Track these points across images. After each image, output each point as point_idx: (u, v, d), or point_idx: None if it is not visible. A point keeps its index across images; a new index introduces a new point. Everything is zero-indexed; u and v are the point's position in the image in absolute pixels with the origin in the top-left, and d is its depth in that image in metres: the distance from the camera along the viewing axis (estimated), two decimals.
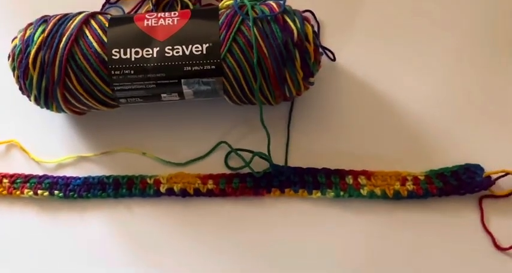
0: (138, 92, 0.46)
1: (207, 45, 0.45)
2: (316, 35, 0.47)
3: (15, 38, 0.46)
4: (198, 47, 0.45)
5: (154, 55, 0.45)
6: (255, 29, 0.45)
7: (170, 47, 0.45)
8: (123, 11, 0.56)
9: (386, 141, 0.51)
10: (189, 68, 0.45)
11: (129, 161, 0.51)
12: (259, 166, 0.49)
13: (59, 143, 0.52)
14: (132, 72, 0.45)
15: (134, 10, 0.56)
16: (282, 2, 0.47)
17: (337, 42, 0.54)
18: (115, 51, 0.45)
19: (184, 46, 0.45)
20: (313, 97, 0.52)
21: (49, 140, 0.52)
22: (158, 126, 0.52)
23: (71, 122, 0.53)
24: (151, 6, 0.54)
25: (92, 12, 0.47)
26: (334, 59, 0.53)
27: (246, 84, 0.46)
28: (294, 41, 0.45)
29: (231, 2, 0.48)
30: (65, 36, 0.45)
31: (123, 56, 0.45)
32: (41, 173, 0.51)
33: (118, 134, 0.52)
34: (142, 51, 0.45)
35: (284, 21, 0.45)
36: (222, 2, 0.48)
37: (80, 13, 0.47)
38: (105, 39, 0.45)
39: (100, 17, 0.47)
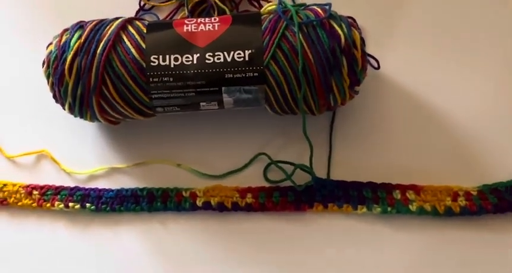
0: (177, 100, 0.44)
1: (250, 51, 0.43)
2: (363, 41, 0.44)
3: (51, 43, 0.45)
4: (240, 54, 0.43)
5: (195, 62, 0.43)
6: (300, 34, 0.43)
7: (211, 54, 0.43)
8: (158, 17, 0.54)
9: (435, 154, 0.48)
10: (231, 75, 0.43)
11: (164, 173, 0.49)
12: (300, 179, 0.47)
13: (90, 153, 0.50)
14: (171, 79, 0.43)
15: (169, 17, 0.54)
16: (327, 7, 0.45)
17: (380, 50, 0.51)
18: (153, 58, 0.43)
19: (225, 53, 0.43)
20: (355, 107, 0.50)
21: (80, 150, 0.50)
22: (194, 137, 0.50)
23: (103, 132, 0.51)
24: (186, 13, 0.52)
25: (128, 18, 0.46)
26: (378, 67, 0.50)
27: (290, 93, 0.44)
28: (341, 47, 0.43)
29: (274, 7, 0.46)
30: (103, 42, 0.43)
31: (161, 63, 0.43)
32: (72, 185, 0.49)
33: (152, 144, 0.50)
34: (181, 57, 0.43)
35: (330, 26, 0.43)
36: (264, 7, 0.46)
37: (116, 19, 0.45)
38: (143, 45, 0.43)
39: (137, 22, 0.45)
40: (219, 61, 0.43)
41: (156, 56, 0.43)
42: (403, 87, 0.51)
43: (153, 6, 0.55)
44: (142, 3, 0.55)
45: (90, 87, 0.43)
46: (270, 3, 0.46)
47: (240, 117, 0.50)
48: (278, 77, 0.43)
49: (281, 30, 0.43)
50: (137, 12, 0.55)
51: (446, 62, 0.51)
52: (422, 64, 0.51)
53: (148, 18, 0.54)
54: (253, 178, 0.48)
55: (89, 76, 0.43)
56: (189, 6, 0.52)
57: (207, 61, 0.43)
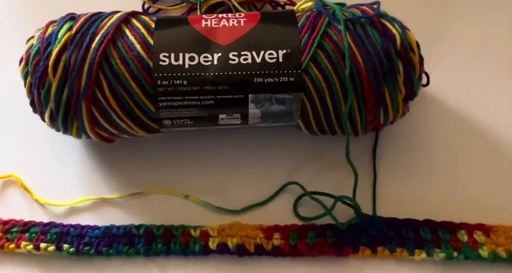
0: (190, 111, 0.35)
1: (284, 51, 0.35)
2: (418, 45, 0.37)
3: (32, 37, 0.36)
4: (272, 54, 0.35)
5: (215, 62, 0.34)
6: (347, 33, 0.35)
7: (236, 53, 0.35)
8: None
9: (501, 187, 0.39)
10: (260, 80, 0.34)
11: (167, 206, 0.39)
12: (339, 215, 0.37)
13: (73, 180, 0.40)
14: (185, 82, 0.34)
15: None
16: (375, 5, 0.37)
17: (426, 64, 0.44)
18: (163, 56, 0.34)
19: (254, 53, 0.35)
20: (401, 128, 0.41)
21: (60, 176, 0.40)
22: (206, 161, 0.40)
23: (91, 152, 0.41)
24: None
25: (132, 11, 0.37)
26: (427, 83, 0.42)
27: (332, 104, 0.35)
28: (396, 50, 0.35)
29: (311, 3, 0.38)
30: (99, 35, 0.34)
31: (173, 62, 0.34)
32: (46, 220, 0.38)
33: (152, 169, 0.40)
34: (199, 57, 0.35)
35: (382, 25, 0.36)
36: (298, 4, 0.39)
37: (116, 12, 0.37)
38: (151, 41, 0.35)
39: (144, 16, 0.37)
40: (245, 62, 0.34)
41: (166, 54, 0.34)
42: (456, 106, 0.43)
43: (159, 10, 0.47)
44: (146, 5, 0.47)
45: (79, 89, 0.33)
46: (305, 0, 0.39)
47: (264, 136, 0.41)
48: (319, 83, 0.34)
49: (323, 27, 0.35)
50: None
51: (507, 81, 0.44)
52: (477, 82, 0.44)
53: None
54: (281, 213, 0.38)
55: (79, 76, 0.33)
56: (203, 10, 0.44)
57: (230, 62, 0.34)
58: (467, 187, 0.39)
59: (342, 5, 0.38)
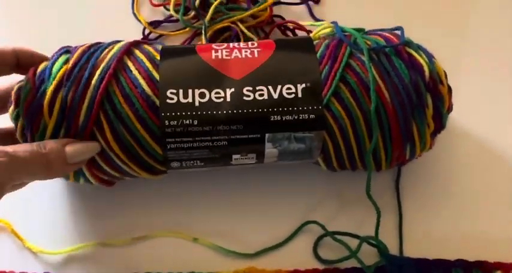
0: (201, 152, 0.32)
1: (304, 85, 0.32)
2: (446, 74, 0.34)
3: (21, 81, 0.32)
4: (290, 88, 0.32)
5: (228, 99, 0.31)
6: (371, 64, 0.32)
7: (250, 88, 0.31)
8: None
9: None
10: (278, 118, 0.31)
11: (174, 250, 0.35)
12: (363, 257, 0.34)
13: (70, 224, 0.36)
14: (196, 122, 0.31)
15: None
16: (398, 31, 0.34)
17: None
18: (171, 93, 0.31)
19: (270, 87, 0.32)
20: (424, 160, 0.39)
21: (56, 219, 0.36)
22: (216, 200, 0.37)
23: (90, 192, 0.37)
24: (204, 43, 0.41)
25: (134, 41, 0.34)
26: (449, 110, 0.40)
27: (356, 141, 0.32)
28: (425, 82, 0.32)
29: (330, 29, 0.35)
30: (99, 69, 0.31)
31: (182, 100, 0.31)
32: (40, 271, 0.34)
33: (157, 210, 0.37)
34: (210, 93, 0.31)
35: (409, 55, 0.33)
36: (315, 31, 0.36)
37: (116, 42, 0.33)
38: (157, 76, 0.31)
39: (147, 46, 0.33)
40: (261, 98, 0.31)
41: (174, 90, 0.31)
42: (478, 133, 0.40)
43: (160, 35, 0.43)
44: (146, 31, 0.44)
45: (77, 130, 0.30)
46: (323, 24, 0.36)
47: (278, 173, 0.38)
48: (342, 120, 0.32)
49: (345, 58, 0.32)
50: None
51: None
52: (498, 107, 0.42)
53: None
54: (300, 256, 0.35)
55: (76, 116, 0.30)
56: (208, 35, 0.41)
57: (245, 98, 0.31)
58: (502, 222, 0.37)
59: (361, 30, 0.35)
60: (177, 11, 0.42)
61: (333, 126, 0.32)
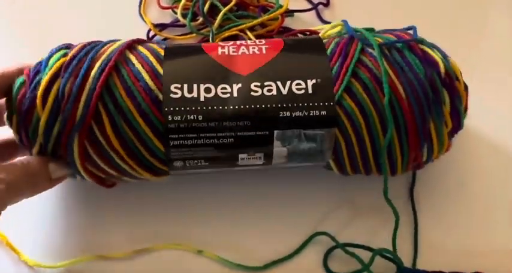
0: (205, 151, 0.30)
1: (314, 81, 0.30)
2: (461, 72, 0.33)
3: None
4: (300, 84, 0.30)
5: (235, 94, 0.30)
6: (383, 59, 0.31)
7: (258, 84, 0.30)
8: None
9: None
10: (288, 114, 0.30)
11: (178, 264, 0.33)
12: (376, 269, 0.31)
13: (68, 235, 0.34)
14: (200, 118, 0.29)
15: None
16: (410, 31, 0.33)
17: None
18: (175, 87, 0.29)
19: (279, 83, 0.30)
20: (440, 166, 0.37)
21: (53, 231, 0.34)
22: (221, 210, 0.35)
23: (88, 202, 0.35)
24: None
25: (138, 39, 0.33)
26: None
27: (370, 139, 0.30)
28: (441, 77, 0.31)
29: (339, 28, 0.34)
30: (100, 61, 0.29)
31: (187, 95, 0.29)
32: None
33: (160, 222, 0.35)
34: (216, 88, 0.30)
35: (422, 51, 0.32)
36: (324, 30, 0.35)
37: (118, 40, 0.32)
38: (160, 71, 0.30)
39: (151, 44, 0.32)
40: (270, 94, 0.30)
41: (178, 85, 0.30)
42: (495, 137, 0.39)
43: (165, 39, 0.43)
44: (151, 33, 0.43)
45: (73, 122, 0.28)
46: (332, 24, 0.35)
47: (286, 181, 0.36)
48: (355, 116, 0.30)
49: (356, 54, 0.31)
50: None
51: None
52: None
53: None
54: (309, 269, 0.33)
55: (74, 108, 0.28)
56: (217, 41, 0.40)
57: (252, 93, 0.30)
58: None
59: (372, 30, 0.35)
60: (184, 16, 0.42)
61: (345, 123, 0.30)
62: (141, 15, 0.44)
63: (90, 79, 0.29)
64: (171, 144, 0.29)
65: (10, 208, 0.31)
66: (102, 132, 0.29)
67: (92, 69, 0.29)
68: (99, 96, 0.28)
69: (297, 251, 0.33)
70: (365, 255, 0.32)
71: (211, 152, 0.30)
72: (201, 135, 0.29)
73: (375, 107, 0.30)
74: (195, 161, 0.31)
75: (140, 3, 0.45)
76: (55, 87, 0.28)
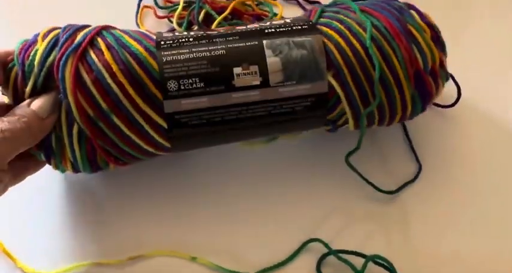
0: (199, 65, 0.30)
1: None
2: None
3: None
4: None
5: (222, 31, 0.33)
6: None
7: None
8: None
9: None
10: (272, 30, 0.32)
11: (171, 270, 0.33)
12: None
13: (63, 242, 0.34)
14: (191, 39, 0.32)
15: None
16: None
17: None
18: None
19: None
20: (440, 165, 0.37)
21: (49, 238, 0.35)
22: (213, 216, 0.35)
23: (84, 209, 0.36)
24: None
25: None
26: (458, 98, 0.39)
27: (357, 40, 0.32)
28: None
29: None
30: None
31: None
32: None
33: (153, 228, 0.35)
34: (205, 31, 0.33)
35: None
36: None
37: None
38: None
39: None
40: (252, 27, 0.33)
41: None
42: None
43: None
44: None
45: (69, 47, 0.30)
46: None
47: (279, 187, 0.37)
48: (336, 26, 0.32)
49: None
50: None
51: None
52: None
53: None
54: None
55: (72, 36, 0.31)
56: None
57: (237, 27, 0.33)
58: None
59: None
60: (180, 24, 0.44)
61: (328, 31, 0.32)
62: (137, 24, 0.46)
63: (85, 30, 0.31)
64: (164, 60, 0.30)
65: (6, 215, 0.33)
66: (97, 55, 0.30)
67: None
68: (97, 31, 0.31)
69: (290, 258, 0.33)
70: (358, 262, 0.32)
71: (205, 68, 0.30)
72: (193, 49, 0.31)
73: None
74: (190, 80, 0.30)
75: (137, 12, 0.46)
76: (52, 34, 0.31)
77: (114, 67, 0.29)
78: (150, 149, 0.32)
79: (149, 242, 0.34)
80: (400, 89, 0.32)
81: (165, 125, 0.30)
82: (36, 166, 0.33)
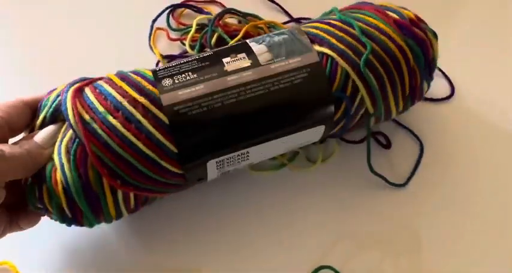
0: (190, 64, 0.32)
1: None
2: None
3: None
4: None
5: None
6: None
7: None
8: None
9: None
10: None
11: None
12: None
13: (76, 267, 0.35)
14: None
15: None
16: None
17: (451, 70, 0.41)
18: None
19: None
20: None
21: (62, 264, 0.35)
22: (222, 243, 0.36)
23: (94, 234, 0.36)
24: None
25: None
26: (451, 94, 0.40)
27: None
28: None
29: None
30: None
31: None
32: None
33: (160, 252, 0.35)
34: None
35: None
36: None
37: None
38: None
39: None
40: None
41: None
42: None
43: None
44: (160, 64, 0.45)
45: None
46: None
47: (287, 211, 0.37)
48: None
49: None
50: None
51: None
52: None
53: None
54: None
55: None
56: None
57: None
58: None
59: None
60: (192, 47, 0.44)
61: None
62: (150, 47, 0.46)
63: None
64: (158, 69, 0.32)
65: (18, 238, 0.33)
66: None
67: None
68: None
69: None
70: None
71: (196, 65, 0.32)
72: (184, 59, 0.33)
73: None
74: (183, 75, 0.31)
75: (150, 35, 0.47)
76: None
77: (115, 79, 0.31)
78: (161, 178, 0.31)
79: (156, 265, 0.35)
80: (389, 37, 0.33)
81: (166, 120, 0.30)
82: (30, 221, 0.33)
